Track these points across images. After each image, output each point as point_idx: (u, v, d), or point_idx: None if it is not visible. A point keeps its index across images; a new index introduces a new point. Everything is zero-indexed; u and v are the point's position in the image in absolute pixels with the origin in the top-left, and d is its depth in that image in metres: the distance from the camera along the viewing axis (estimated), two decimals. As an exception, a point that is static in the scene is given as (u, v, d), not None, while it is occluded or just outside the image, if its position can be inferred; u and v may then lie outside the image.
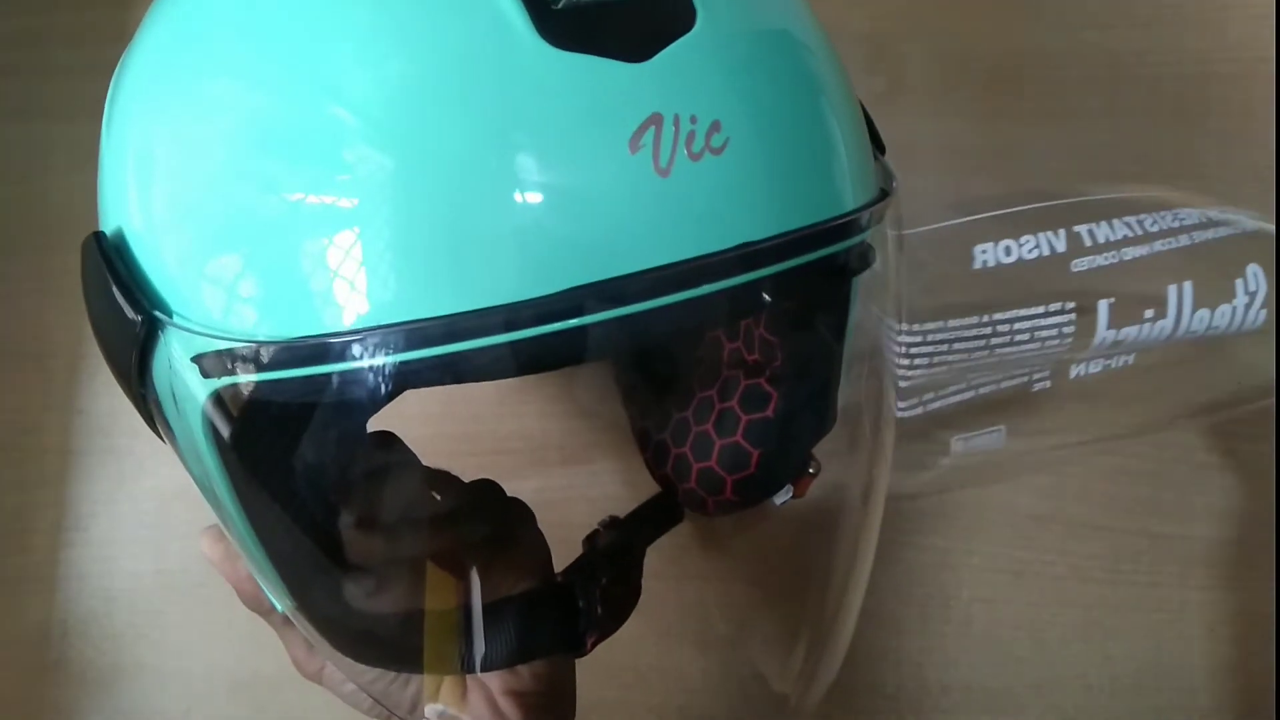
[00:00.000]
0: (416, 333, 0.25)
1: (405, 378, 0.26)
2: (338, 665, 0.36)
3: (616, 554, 0.41)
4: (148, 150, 0.31)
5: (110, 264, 0.30)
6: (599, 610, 0.37)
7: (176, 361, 0.28)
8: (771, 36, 0.30)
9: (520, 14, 0.25)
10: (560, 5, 0.26)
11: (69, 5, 0.58)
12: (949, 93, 0.54)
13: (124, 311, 0.29)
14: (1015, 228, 0.42)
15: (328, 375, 0.26)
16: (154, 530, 0.54)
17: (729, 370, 0.43)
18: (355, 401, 0.27)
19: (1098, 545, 0.50)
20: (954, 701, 0.50)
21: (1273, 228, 0.44)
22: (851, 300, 0.38)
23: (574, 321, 0.25)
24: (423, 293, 0.25)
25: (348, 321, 0.25)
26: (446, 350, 0.25)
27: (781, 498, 0.43)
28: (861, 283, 0.37)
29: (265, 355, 0.26)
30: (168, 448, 0.57)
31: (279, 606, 0.35)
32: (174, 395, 0.29)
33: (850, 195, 0.30)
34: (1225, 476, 0.50)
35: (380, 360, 0.25)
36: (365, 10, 0.27)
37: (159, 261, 0.29)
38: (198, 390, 0.28)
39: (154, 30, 0.32)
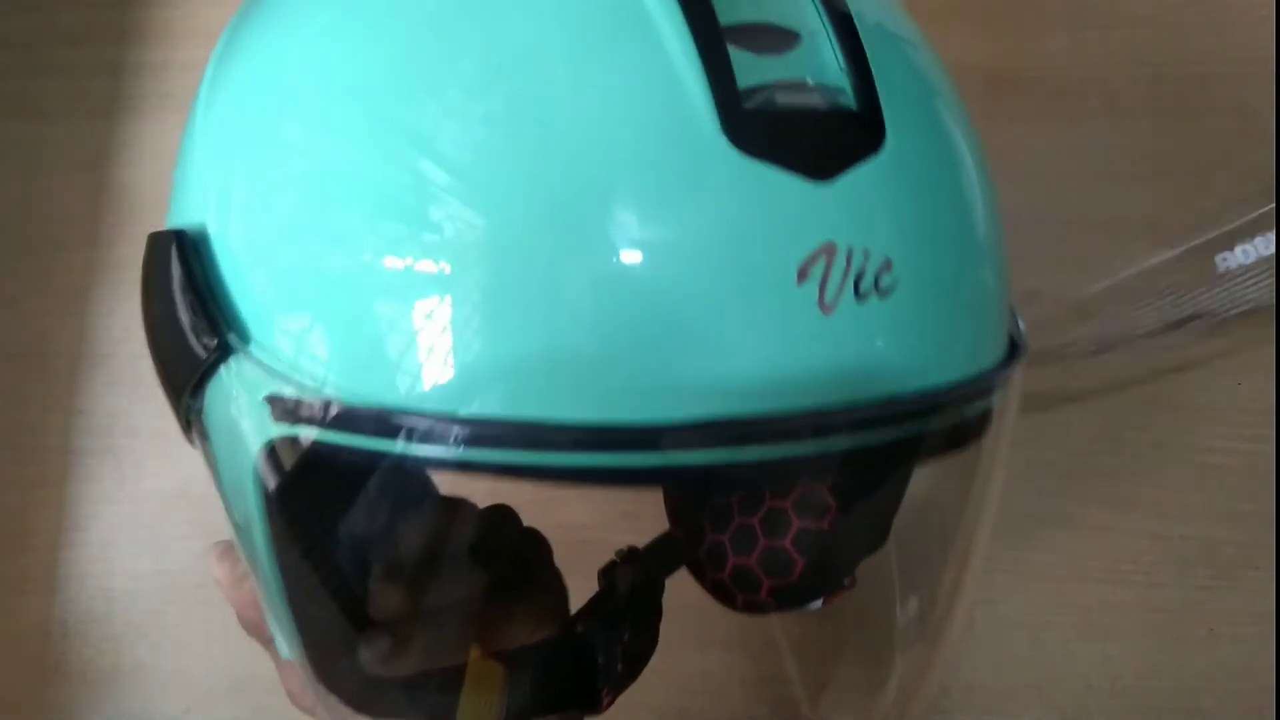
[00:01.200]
0: (524, 435, 0.23)
1: (468, 469, 0.24)
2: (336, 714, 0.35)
3: (637, 598, 0.39)
4: (230, 177, 0.28)
5: (189, 269, 0.27)
6: (619, 666, 0.36)
7: (242, 394, 0.26)
8: (952, 170, 0.27)
9: (708, 103, 0.23)
10: (751, 105, 0.23)
11: (69, 5, 0.58)
12: (949, 93, 0.54)
13: (197, 327, 0.27)
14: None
15: (409, 454, 0.24)
16: (154, 530, 0.54)
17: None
18: (423, 478, 0.25)
19: (1098, 545, 0.50)
20: (954, 702, 0.50)
21: None
22: None
23: (699, 457, 0.23)
24: (553, 395, 0.23)
25: (415, 400, 0.23)
26: (552, 462, 0.23)
27: (812, 606, 0.40)
28: None
29: (349, 417, 0.24)
30: (168, 449, 0.57)
31: (283, 653, 0.33)
32: (229, 425, 0.28)
33: (994, 348, 0.28)
34: (1225, 476, 0.50)
35: (467, 454, 0.23)
36: (488, 52, 0.24)
37: (245, 281, 0.27)
38: (260, 430, 0.26)
39: (237, 65, 0.30)
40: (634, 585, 0.39)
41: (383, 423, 0.24)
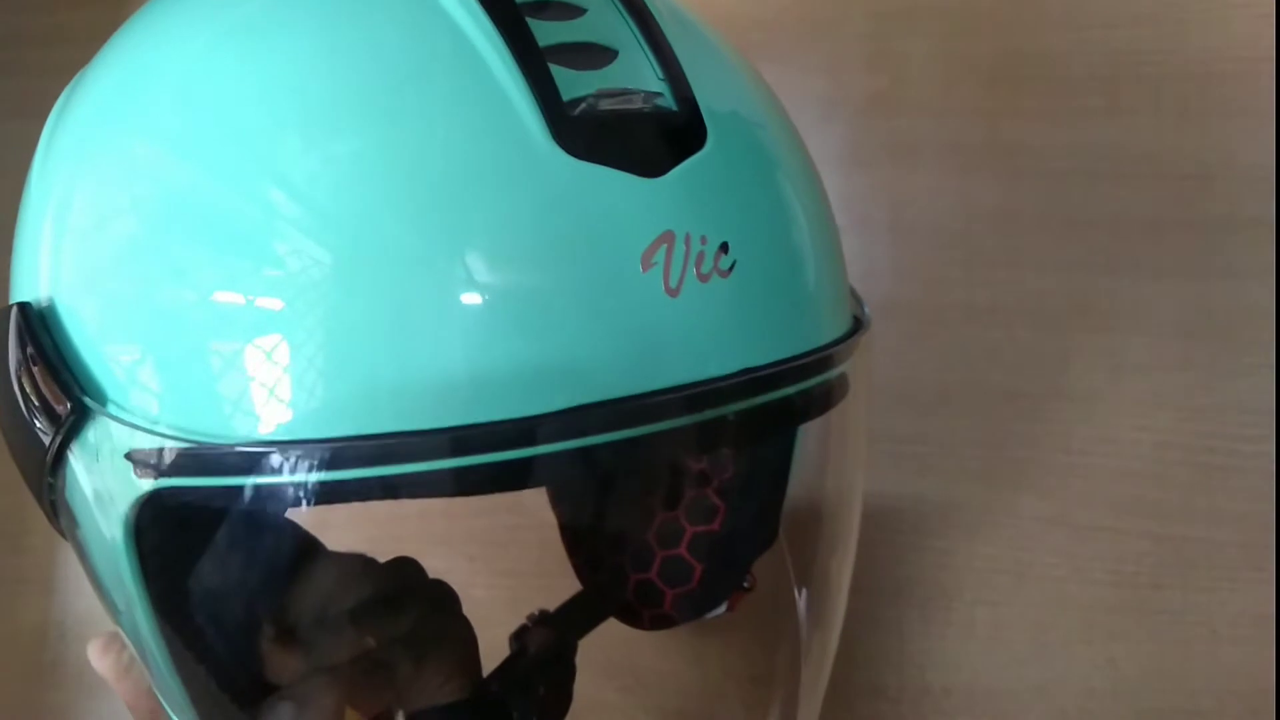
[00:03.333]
0: (382, 448, 0.23)
1: (332, 495, 0.24)
2: None
3: (550, 658, 0.39)
4: (67, 206, 0.28)
5: (36, 340, 0.26)
6: None
7: (102, 458, 0.26)
8: (773, 160, 0.29)
9: (535, 116, 0.24)
10: (576, 113, 0.25)
11: (68, 5, 0.58)
12: (950, 92, 0.53)
13: (46, 399, 0.26)
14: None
15: (267, 485, 0.24)
16: (151, 531, 0.54)
17: (673, 479, 0.41)
18: (277, 514, 0.25)
19: (1099, 547, 0.50)
20: (956, 704, 0.50)
21: None
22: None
23: (569, 445, 0.24)
24: (408, 411, 0.23)
25: (268, 431, 0.23)
26: (385, 472, 0.23)
27: (715, 612, 0.42)
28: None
29: (202, 459, 0.24)
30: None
31: None
32: (93, 498, 0.27)
33: (837, 322, 0.30)
34: (1227, 477, 0.50)
35: (304, 477, 0.23)
36: (339, 88, 0.25)
37: (85, 335, 0.26)
38: (125, 491, 0.25)
39: (97, 79, 0.30)
40: (547, 645, 0.39)
41: (238, 458, 0.24)
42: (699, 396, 0.25)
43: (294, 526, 0.34)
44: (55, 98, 0.59)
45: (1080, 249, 0.51)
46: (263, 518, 0.31)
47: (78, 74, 0.33)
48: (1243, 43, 0.51)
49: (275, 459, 0.23)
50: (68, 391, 0.26)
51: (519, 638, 0.40)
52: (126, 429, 0.25)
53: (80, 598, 0.54)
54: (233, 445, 0.24)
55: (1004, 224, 0.52)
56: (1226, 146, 0.51)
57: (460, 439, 0.23)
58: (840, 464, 0.36)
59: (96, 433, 0.26)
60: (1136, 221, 0.51)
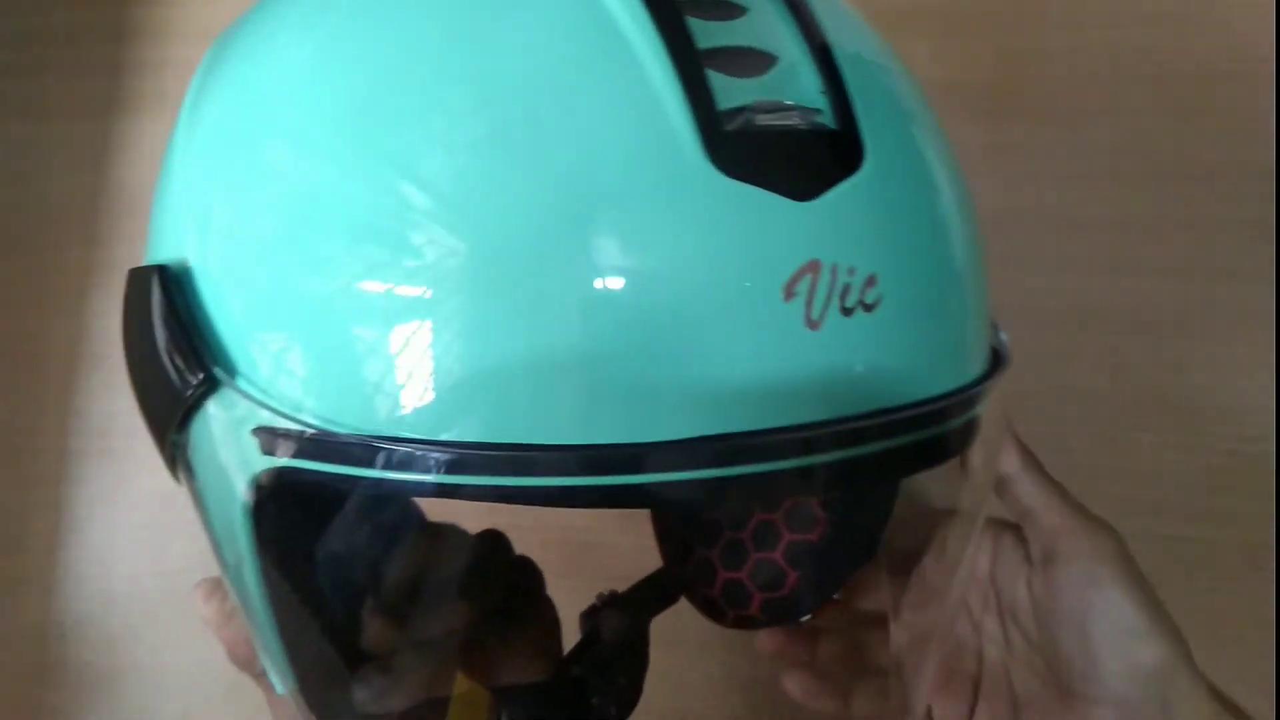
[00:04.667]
0: (508, 460, 0.23)
1: (455, 495, 0.23)
2: None
3: (627, 643, 0.38)
4: (206, 196, 0.28)
5: (171, 303, 0.27)
6: (612, 711, 0.36)
7: (229, 428, 0.26)
8: (932, 185, 0.27)
9: (690, 127, 0.23)
10: (732, 128, 0.23)
11: (68, 5, 0.58)
12: (950, 92, 0.53)
13: (180, 363, 0.26)
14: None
15: (391, 480, 0.24)
16: (151, 531, 0.54)
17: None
18: (410, 505, 0.25)
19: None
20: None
21: None
22: None
23: (685, 476, 0.23)
24: (536, 418, 0.23)
25: (394, 423, 0.23)
26: (536, 484, 0.23)
27: (801, 619, 0.40)
28: None
29: (332, 446, 0.24)
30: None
31: (278, 688, 0.32)
32: (216, 462, 0.27)
33: (979, 358, 0.28)
34: (1227, 477, 0.50)
35: (431, 478, 0.23)
36: (479, 77, 0.24)
37: (227, 311, 0.26)
38: (248, 464, 0.26)
39: (226, 73, 0.30)
40: (623, 631, 0.39)
41: (365, 450, 0.23)
42: (819, 440, 0.23)
43: (406, 506, 0.34)
44: (55, 98, 0.59)
45: (1080, 249, 0.51)
46: (381, 503, 0.31)
47: (217, 41, 0.32)
48: (1242, 43, 0.51)
49: (403, 454, 0.23)
50: (201, 361, 0.26)
51: (590, 616, 0.39)
52: (255, 405, 0.25)
53: (80, 599, 0.54)
54: (364, 437, 0.23)
55: (1004, 224, 0.52)
56: (1226, 146, 0.51)
57: (588, 459, 0.23)
58: (960, 497, 0.34)
59: (226, 403, 0.26)
60: (1136, 221, 0.51)
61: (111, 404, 0.55)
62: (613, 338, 0.22)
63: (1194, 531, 0.50)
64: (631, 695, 0.38)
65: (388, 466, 0.23)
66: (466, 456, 0.23)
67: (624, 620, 0.39)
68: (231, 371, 0.26)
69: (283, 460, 0.25)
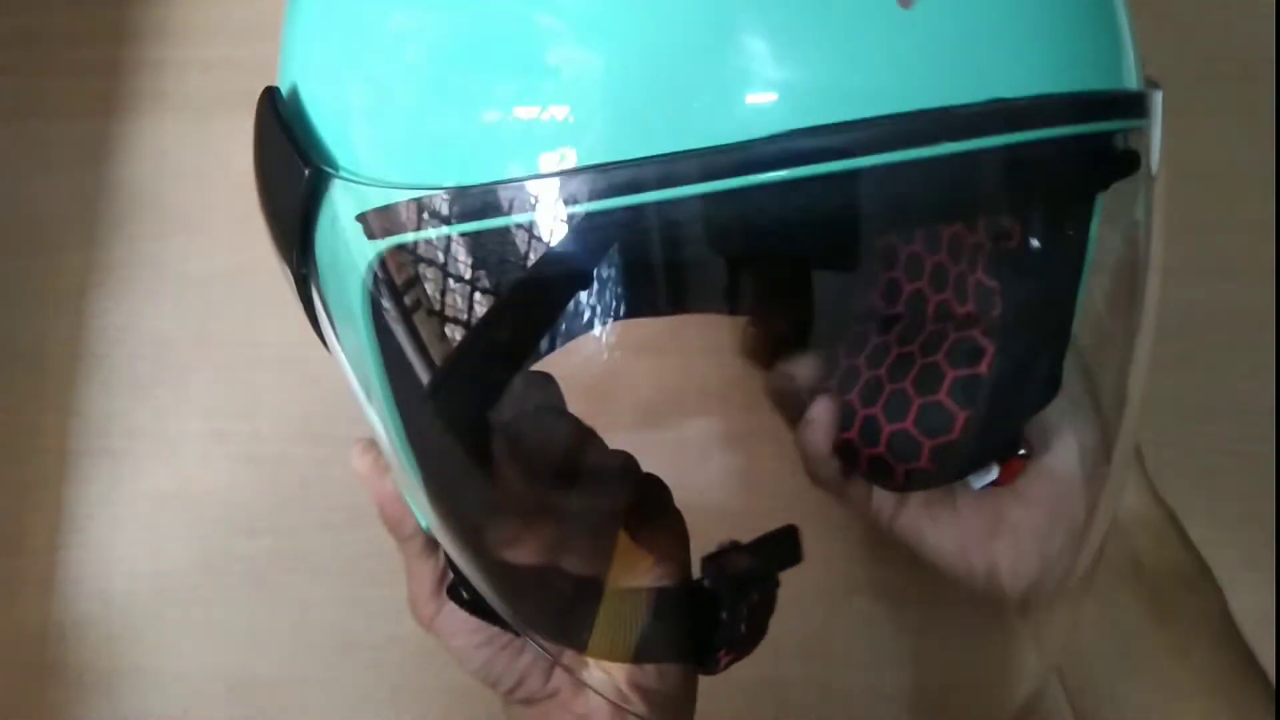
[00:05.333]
0: (607, 177, 0.22)
1: (593, 234, 0.23)
2: (453, 625, 0.35)
3: (757, 576, 0.37)
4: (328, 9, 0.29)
5: (280, 117, 0.28)
6: (741, 628, 0.35)
7: (342, 221, 0.27)
8: None
9: None
10: None
11: (68, 5, 0.58)
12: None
13: (292, 163, 0.27)
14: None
15: (507, 230, 0.23)
16: (151, 532, 0.54)
17: (935, 325, 0.36)
18: (537, 270, 0.25)
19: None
20: (956, 704, 0.50)
21: None
22: (1090, 237, 0.32)
23: (784, 173, 0.21)
24: (617, 137, 0.22)
25: (538, 166, 0.23)
26: (640, 200, 0.22)
27: (982, 480, 0.36)
28: (1110, 209, 0.31)
29: (442, 205, 0.24)
30: (165, 450, 0.56)
31: (422, 522, 0.33)
32: (336, 264, 0.28)
33: (1129, 72, 0.25)
34: (1226, 477, 0.50)
35: (564, 209, 0.22)
36: None
37: (335, 118, 0.28)
38: (360, 253, 0.26)
39: None
40: (752, 567, 0.37)
41: (495, 197, 0.23)
42: (926, 127, 0.21)
43: (532, 289, 0.33)
44: (52, 97, 0.59)
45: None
46: (497, 282, 0.30)
47: None
48: (1241, 43, 0.51)
49: (526, 191, 0.23)
50: (306, 159, 0.27)
51: (712, 561, 0.38)
52: (360, 191, 0.26)
53: (80, 600, 0.54)
54: (481, 185, 0.23)
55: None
56: (1226, 146, 0.51)
57: (713, 158, 0.21)
58: (1137, 290, 0.31)
59: (335, 199, 0.27)
60: (1136, 221, 0.51)
61: (111, 405, 0.55)
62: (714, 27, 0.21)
63: (1194, 531, 0.50)
64: (759, 623, 0.37)
65: (510, 207, 0.23)
66: (587, 178, 0.22)
67: (750, 560, 0.38)
68: (335, 167, 0.27)
69: (391, 239, 0.25)
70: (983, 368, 0.34)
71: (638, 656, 0.34)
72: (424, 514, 0.33)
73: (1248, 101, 0.51)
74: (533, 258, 0.24)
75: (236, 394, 0.55)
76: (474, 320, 0.30)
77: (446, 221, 0.24)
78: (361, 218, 0.26)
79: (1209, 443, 0.50)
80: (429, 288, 0.28)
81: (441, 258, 0.26)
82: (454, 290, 0.29)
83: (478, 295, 0.29)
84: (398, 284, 0.27)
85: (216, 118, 0.56)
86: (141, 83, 0.57)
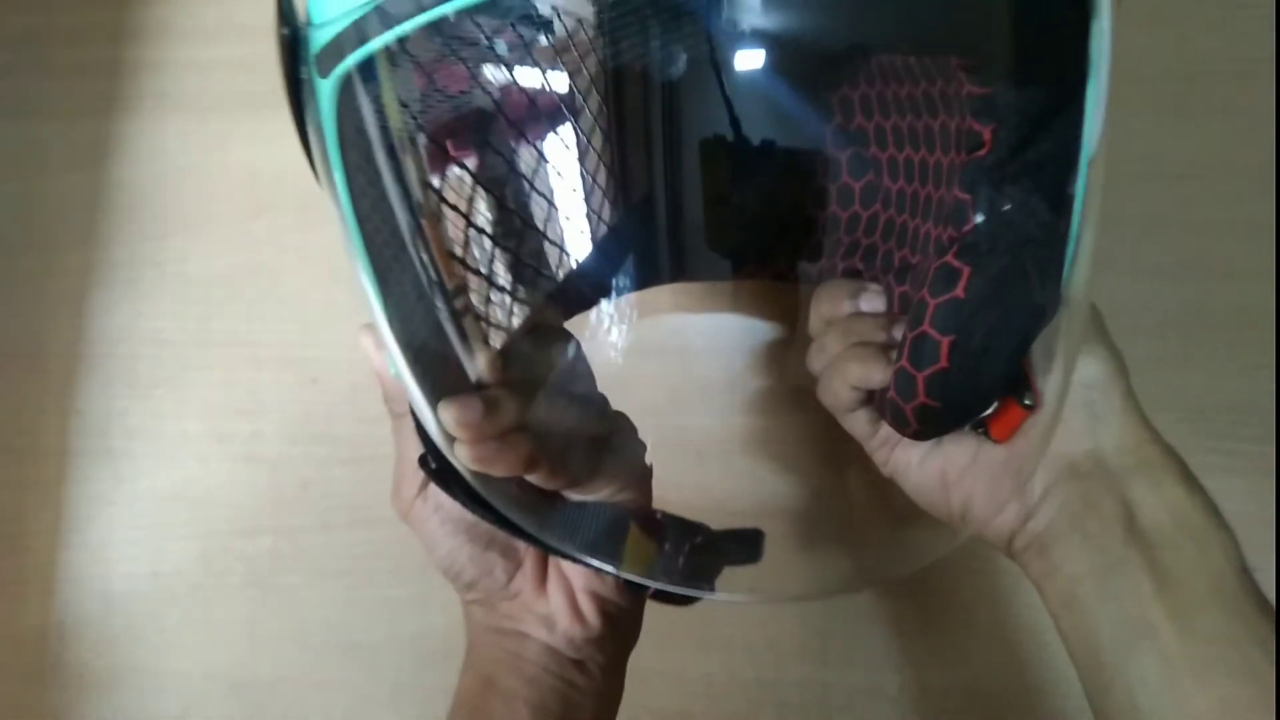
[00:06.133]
0: None
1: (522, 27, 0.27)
2: (426, 511, 0.36)
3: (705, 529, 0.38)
4: None
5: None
6: (680, 563, 0.36)
7: (309, 72, 0.30)
8: None
9: None
10: None
11: (68, 5, 0.58)
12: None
13: (279, 28, 0.30)
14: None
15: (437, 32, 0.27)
16: (151, 532, 0.54)
17: (918, 255, 0.36)
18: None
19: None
20: (956, 704, 0.50)
21: None
22: (1087, 116, 0.32)
23: None
24: None
25: None
26: None
27: (987, 411, 0.35)
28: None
29: (373, 21, 0.26)
30: (165, 450, 0.56)
31: (390, 367, 0.34)
32: (315, 120, 0.30)
33: None
34: (1226, 477, 0.50)
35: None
36: None
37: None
38: (323, 96, 0.29)
39: None
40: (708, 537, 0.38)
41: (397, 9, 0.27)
42: None
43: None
44: (52, 97, 0.59)
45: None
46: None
47: None
48: (1243, 43, 0.51)
49: None
50: (286, 21, 0.30)
51: (670, 513, 0.38)
52: (314, 35, 0.29)
53: (80, 600, 0.54)
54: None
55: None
56: (1226, 146, 0.51)
57: None
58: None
59: (309, 56, 0.30)
60: (1136, 221, 0.51)
61: (111, 404, 0.55)
62: None
63: (1194, 531, 0.50)
64: (699, 570, 0.37)
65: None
66: None
67: (709, 536, 0.38)
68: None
69: (336, 70, 0.28)
70: (959, 290, 0.33)
71: (584, 553, 0.35)
72: (403, 377, 0.34)
73: (1247, 101, 0.51)
74: (472, 59, 0.28)
75: (236, 394, 0.55)
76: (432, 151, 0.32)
77: (378, 34, 0.27)
78: (317, 58, 0.29)
79: (1209, 443, 0.50)
80: (383, 115, 0.30)
81: (388, 85, 0.29)
82: (406, 113, 0.31)
83: (429, 116, 0.32)
84: (355, 118, 0.30)
85: (216, 118, 0.56)
86: (141, 83, 0.57)
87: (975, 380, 0.33)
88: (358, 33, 0.27)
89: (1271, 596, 0.48)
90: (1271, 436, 0.49)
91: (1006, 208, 0.32)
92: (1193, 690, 0.30)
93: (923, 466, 0.37)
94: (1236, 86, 0.51)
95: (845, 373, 0.36)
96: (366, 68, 0.29)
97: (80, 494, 0.55)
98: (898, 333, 0.35)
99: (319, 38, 0.29)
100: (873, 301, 0.37)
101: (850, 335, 0.36)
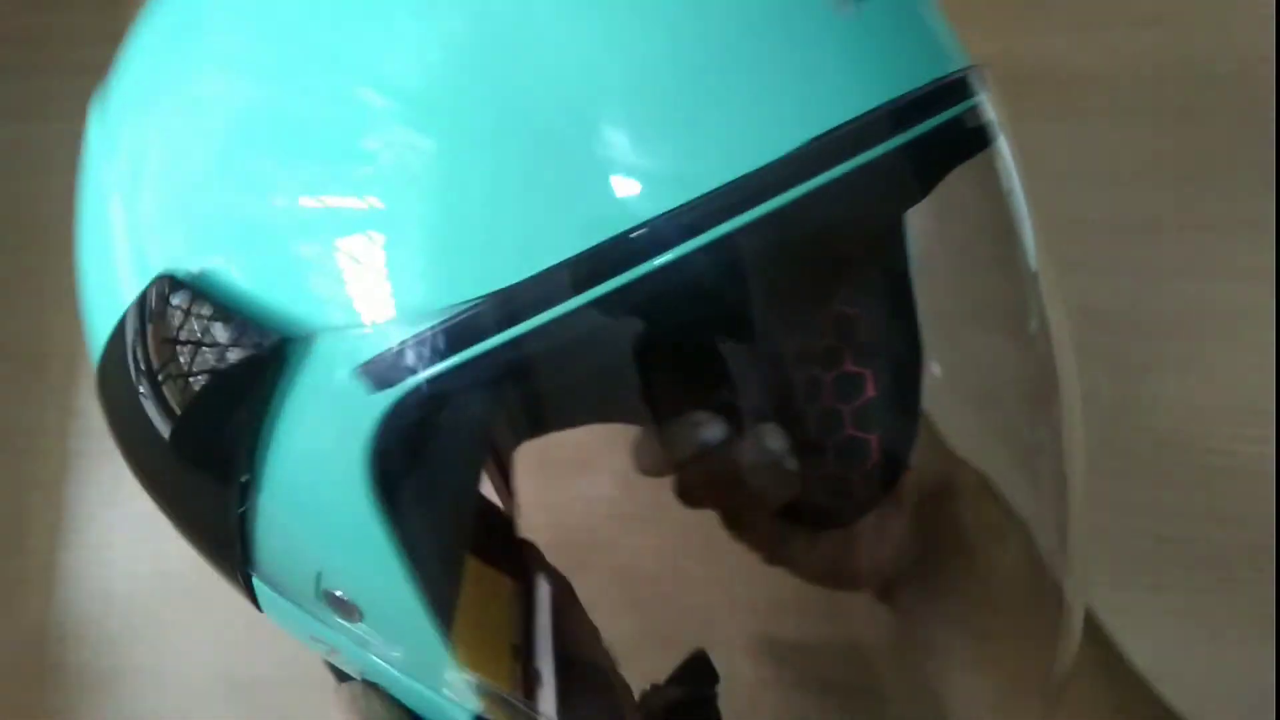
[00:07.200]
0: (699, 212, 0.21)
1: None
2: None
3: (691, 701, 0.37)
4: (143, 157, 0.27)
5: (200, 295, 0.24)
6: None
7: (326, 385, 0.23)
8: None
9: None
10: None
11: (68, 5, 0.58)
12: (949, 93, 0.53)
13: (241, 343, 0.23)
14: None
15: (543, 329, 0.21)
16: (151, 532, 0.54)
17: (808, 371, 0.37)
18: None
19: (1100, 548, 0.50)
20: (956, 704, 0.50)
21: None
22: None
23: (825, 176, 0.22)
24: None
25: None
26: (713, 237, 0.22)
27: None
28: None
29: (467, 325, 0.21)
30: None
31: None
32: (316, 435, 0.24)
33: (958, 56, 0.29)
34: (1227, 477, 0.50)
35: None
36: None
37: (257, 281, 0.24)
38: (362, 414, 0.22)
39: (133, 55, 0.30)
40: (681, 697, 0.37)
41: (507, 306, 0.21)
42: (915, 104, 0.24)
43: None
44: (55, 98, 0.59)
45: (1080, 249, 0.51)
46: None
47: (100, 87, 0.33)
48: (1241, 43, 0.51)
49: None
50: (262, 331, 0.23)
51: (643, 704, 0.36)
52: (360, 336, 0.22)
53: (81, 600, 0.54)
54: (495, 291, 0.21)
55: (1004, 224, 0.52)
56: (1226, 146, 0.51)
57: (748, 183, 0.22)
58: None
59: (313, 361, 0.23)
60: (1136, 221, 0.51)
61: (111, 404, 0.55)
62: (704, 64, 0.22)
63: (1194, 531, 0.50)
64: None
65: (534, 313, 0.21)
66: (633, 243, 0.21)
67: (678, 691, 0.37)
68: (305, 328, 0.23)
69: (406, 383, 0.21)
70: (870, 391, 0.35)
71: None
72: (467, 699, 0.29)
73: (1247, 101, 0.51)
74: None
75: (237, 394, 0.55)
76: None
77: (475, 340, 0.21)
78: (365, 368, 0.22)
79: (1209, 443, 0.50)
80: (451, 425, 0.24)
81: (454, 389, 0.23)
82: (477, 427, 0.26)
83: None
84: (420, 436, 0.24)
85: (217, 118, 0.56)
86: (142, 83, 0.57)
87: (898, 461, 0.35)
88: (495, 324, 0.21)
89: (1271, 593, 0.48)
90: (1271, 437, 0.49)
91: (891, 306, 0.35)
92: None
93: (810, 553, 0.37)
94: (1236, 86, 0.52)
95: None
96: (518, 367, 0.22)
97: (81, 494, 0.55)
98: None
99: (372, 342, 0.22)
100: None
101: None
